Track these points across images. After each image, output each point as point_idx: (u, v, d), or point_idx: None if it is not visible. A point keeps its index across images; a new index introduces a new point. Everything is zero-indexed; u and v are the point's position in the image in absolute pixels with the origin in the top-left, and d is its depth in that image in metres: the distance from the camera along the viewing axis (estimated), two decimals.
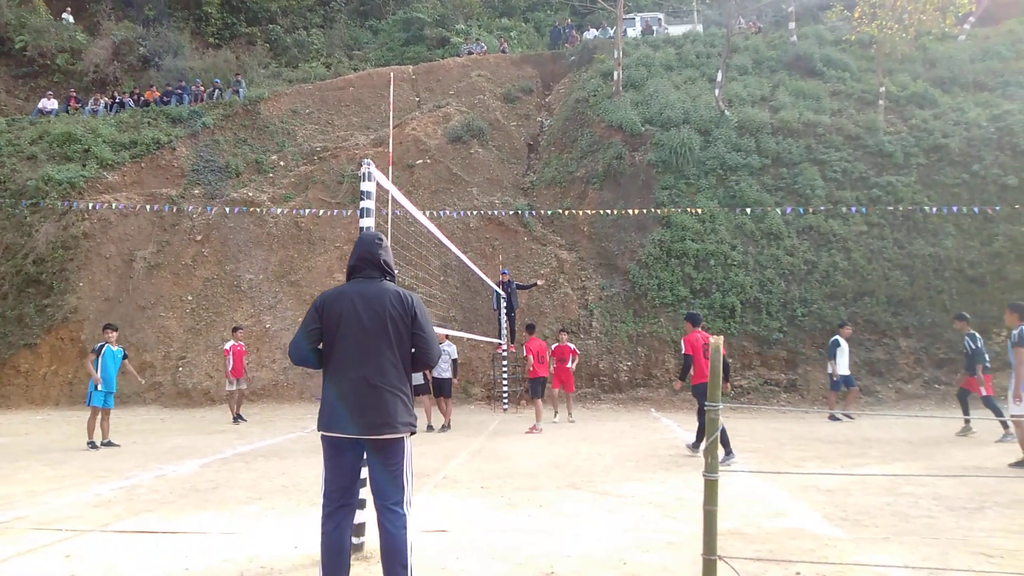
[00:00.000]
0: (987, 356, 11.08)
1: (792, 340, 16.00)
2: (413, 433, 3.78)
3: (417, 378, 12.81)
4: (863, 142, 18.60)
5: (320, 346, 3.74)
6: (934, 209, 17.04)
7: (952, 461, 8.71)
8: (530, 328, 13.21)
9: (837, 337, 13.61)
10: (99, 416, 10.87)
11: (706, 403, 3.96)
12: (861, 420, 13.20)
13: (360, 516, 4.88)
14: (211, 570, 4.63)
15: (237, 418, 14.09)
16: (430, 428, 12.44)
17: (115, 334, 11.23)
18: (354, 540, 4.85)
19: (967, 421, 10.85)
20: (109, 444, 10.84)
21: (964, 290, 16.14)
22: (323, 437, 3.67)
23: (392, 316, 3.69)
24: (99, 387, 10.78)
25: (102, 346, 10.97)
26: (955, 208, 17.00)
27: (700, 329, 9.42)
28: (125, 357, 11.42)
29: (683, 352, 9.28)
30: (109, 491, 7.33)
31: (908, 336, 15.72)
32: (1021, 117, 18.11)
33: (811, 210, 17.46)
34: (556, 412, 13.49)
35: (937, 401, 14.71)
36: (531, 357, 12.49)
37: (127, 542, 5.33)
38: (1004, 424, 10.07)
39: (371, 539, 5.00)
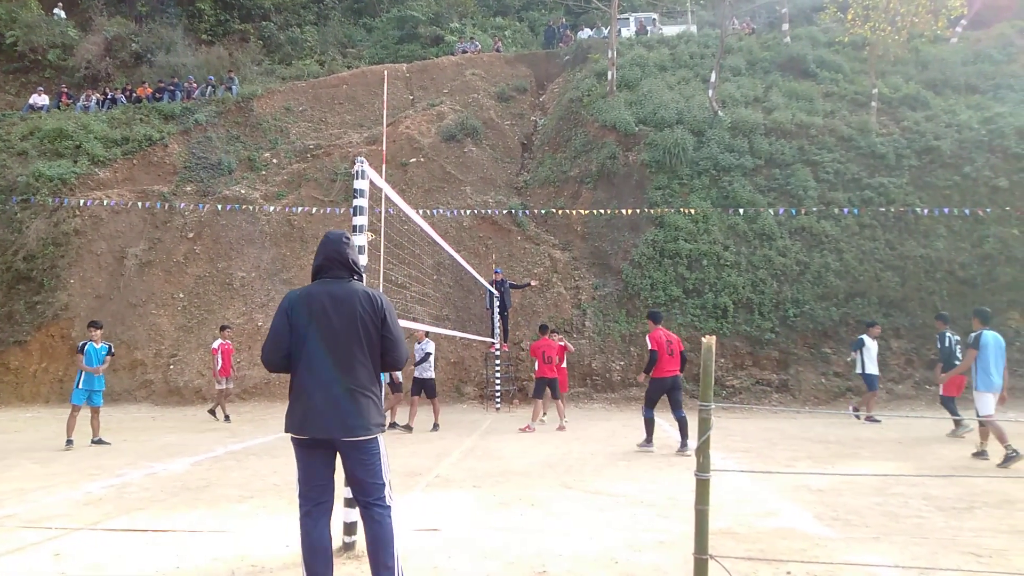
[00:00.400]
0: (958, 357, 10.91)
1: (784, 340, 16.05)
2: (383, 431, 3.81)
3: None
4: (855, 143, 18.69)
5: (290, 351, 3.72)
6: (926, 211, 17.13)
7: (942, 461, 8.76)
8: (542, 328, 12.89)
9: (863, 336, 13.45)
10: (79, 414, 10.67)
11: (700, 404, 3.96)
12: (852, 421, 13.26)
13: (351, 515, 4.88)
14: (202, 569, 4.61)
15: (222, 416, 14.02)
16: (393, 426, 12.23)
17: (99, 332, 11.10)
18: (345, 539, 4.85)
19: (957, 423, 10.90)
20: (100, 442, 10.76)
21: (955, 291, 16.24)
22: (294, 439, 3.65)
23: (362, 317, 3.67)
24: (80, 383, 10.65)
25: (85, 344, 10.89)
26: (946, 210, 17.10)
27: (661, 327, 10.15)
28: (110, 353, 11.27)
29: (649, 348, 9.94)
30: (99, 489, 7.30)
31: (899, 337, 15.79)
32: (1012, 120, 18.23)
33: (803, 211, 17.53)
34: (545, 413, 13.16)
35: (928, 402, 14.77)
36: (536, 359, 12.27)
37: (117, 540, 5.31)
38: (957, 423, 10.83)
39: (361, 537, 5.00)
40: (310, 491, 3.65)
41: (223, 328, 14.75)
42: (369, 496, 3.67)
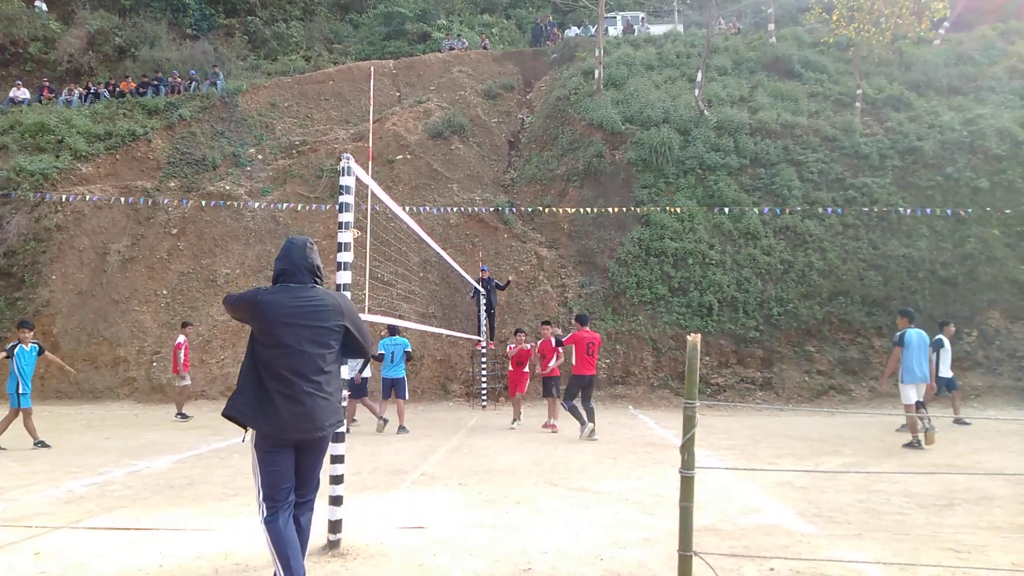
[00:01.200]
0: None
1: (768, 339, 16.17)
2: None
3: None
4: (839, 144, 18.84)
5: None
6: (908, 211, 17.30)
7: (923, 459, 8.86)
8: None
9: (941, 336, 12.30)
10: (19, 417, 10.23)
11: (685, 402, 3.98)
12: (835, 418, 13.37)
13: (337, 513, 4.87)
14: (185, 567, 4.58)
15: (182, 415, 13.69)
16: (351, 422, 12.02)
17: (30, 333, 10.57)
18: (330, 536, 4.84)
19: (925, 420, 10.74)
20: (42, 444, 10.13)
21: (936, 291, 16.42)
22: (264, 440, 3.68)
23: (328, 322, 3.79)
24: (20, 387, 10.14)
25: (15, 345, 10.30)
26: (928, 210, 17.28)
27: (587, 328, 11.17)
28: (41, 353, 10.60)
29: (563, 343, 11.29)
30: (81, 487, 7.23)
31: (882, 336, 15.94)
32: (993, 122, 18.45)
33: (788, 210, 17.65)
34: (517, 419, 12.51)
35: None
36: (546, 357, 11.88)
37: (99, 539, 5.26)
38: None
39: (348, 535, 4.99)
40: (280, 492, 3.71)
41: (185, 324, 14.63)
42: (310, 495, 3.92)
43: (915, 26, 20.17)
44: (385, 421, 11.78)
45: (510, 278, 16.84)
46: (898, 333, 10.04)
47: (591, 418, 10.89)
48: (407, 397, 12.05)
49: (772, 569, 4.48)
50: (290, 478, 3.75)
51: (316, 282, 3.89)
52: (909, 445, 9.60)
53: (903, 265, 16.73)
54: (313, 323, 3.73)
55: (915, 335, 9.86)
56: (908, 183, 17.97)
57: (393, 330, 11.86)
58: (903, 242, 17.04)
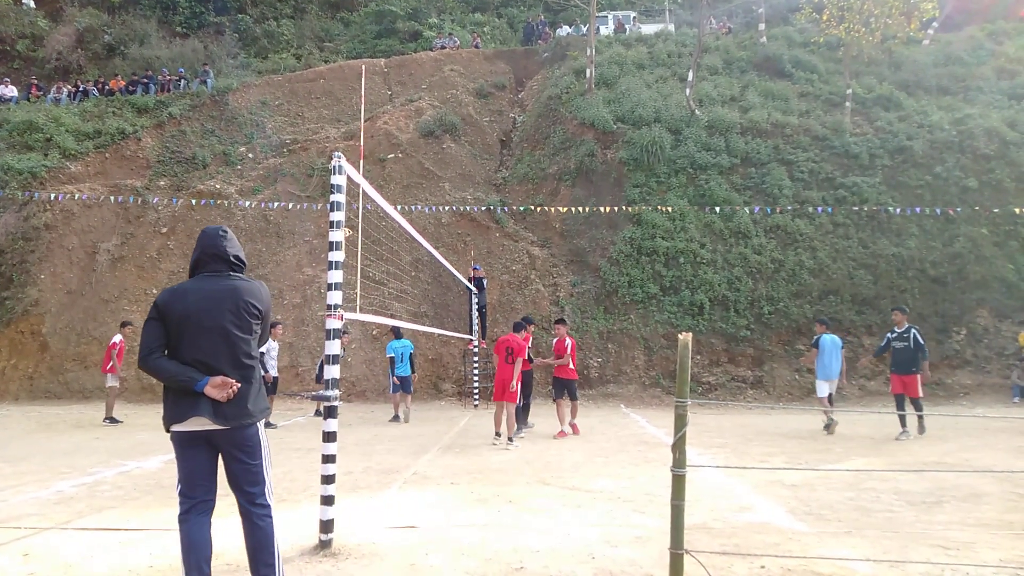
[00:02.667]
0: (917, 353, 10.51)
1: (759, 337, 16.23)
2: (269, 425, 3.72)
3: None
4: (830, 143, 18.93)
5: (167, 352, 3.58)
6: (898, 210, 17.40)
7: (913, 457, 8.92)
8: (559, 322, 11.48)
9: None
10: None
11: (676, 400, 3.99)
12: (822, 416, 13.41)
13: (328, 512, 4.85)
14: (175, 568, 4.54)
15: (111, 420, 12.98)
16: (270, 425, 11.91)
17: None
18: (322, 536, 4.83)
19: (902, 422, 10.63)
20: None
21: (926, 290, 16.52)
22: (175, 433, 3.53)
23: (236, 312, 3.57)
24: None
25: None
26: (918, 209, 17.39)
27: (520, 332, 10.61)
28: None
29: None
30: (70, 488, 7.18)
31: (871, 334, 16.03)
32: (981, 121, 18.58)
33: (778, 210, 17.72)
34: (497, 434, 10.23)
35: None
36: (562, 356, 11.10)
37: (88, 540, 5.22)
38: (903, 422, 10.50)
39: (339, 535, 4.98)
40: (193, 490, 3.56)
41: (124, 324, 13.92)
42: (257, 492, 3.64)
43: (905, 26, 20.31)
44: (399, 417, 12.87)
45: (484, 281, 16.16)
46: (815, 337, 11.41)
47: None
48: (412, 391, 13.37)
49: (763, 567, 4.50)
50: (205, 475, 3.56)
51: (233, 271, 3.71)
52: (827, 427, 11.02)
53: (893, 264, 16.83)
54: (214, 314, 3.52)
55: (828, 340, 11.21)
56: (898, 182, 18.07)
57: (397, 333, 13.17)
58: (893, 241, 17.14)
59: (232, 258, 3.72)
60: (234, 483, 3.62)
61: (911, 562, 4.59)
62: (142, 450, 9.77)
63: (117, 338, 13.45)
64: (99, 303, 18.03)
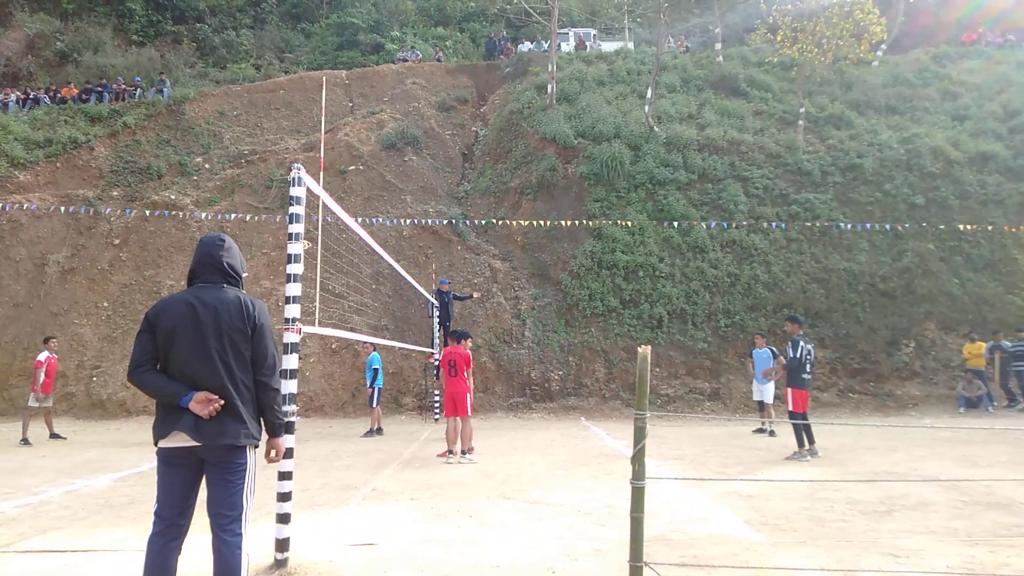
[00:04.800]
0: (807, 368, 10.21)
1: (716, 350, 16.48)
2: (256, 447, 3.57)
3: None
4: (783, 160, 19.41)
5: (158, 365, 3.47)
6: (849, 226, 17.90)
7: (865, 467, 9.13)
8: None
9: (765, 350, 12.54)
10: None
11: (636, 413, 4.03)
12: (780, 427, 13.65)
13: (284, 531, 4.77)
14: None
15: (25, 440, 12.27)
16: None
17: None
18: (277, 556, 4.74)
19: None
20: None
21: (876, 303, 16.99)
22: (160, 450, 3.45)
23: (229, 325, 3.44)
24: None
25: None
26: (868, 225, 17.91)
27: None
28: None
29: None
30: (13, 508, 6.92)
31: (824, 347, 16.41)
32: (927, 140, 19.27)
33: (734, 225, 18.08)
34: (451, 451, 9.93)
35: (851, 409, 15.43)
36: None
37: (32, 563, 5.04)
38: (800, 443, 9.84)
39: (296, 553, 4.89)
40: (165, 511, 3.46)
41: (48, 340, 13.39)
42: (228, 517, 3.50)
43: (855, 48, 20.95)
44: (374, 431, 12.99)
45: (475, 295, 16.73)
46: (755, 351, 12.99)
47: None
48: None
49: None
50: (180, 498, 3.44)
51: (228, 283, 3.60)
52: (759, 431, 12.67)
53: (844, 278, 17.27)
54: (206, 326, 3.40)
55: (758, 353, 12.84)
56: (849, 199, 18.60)
57: (374, 347, 13.40)
58: (844, 256, 17.60)
59: (227, 267, 3.59)
60: (210, 504, 3.49)
61: (863, 571, 4.70)
62: (91, 468, 9.48)
63: (43, 355, 12.74)
64: (48, 316, 17.48)
